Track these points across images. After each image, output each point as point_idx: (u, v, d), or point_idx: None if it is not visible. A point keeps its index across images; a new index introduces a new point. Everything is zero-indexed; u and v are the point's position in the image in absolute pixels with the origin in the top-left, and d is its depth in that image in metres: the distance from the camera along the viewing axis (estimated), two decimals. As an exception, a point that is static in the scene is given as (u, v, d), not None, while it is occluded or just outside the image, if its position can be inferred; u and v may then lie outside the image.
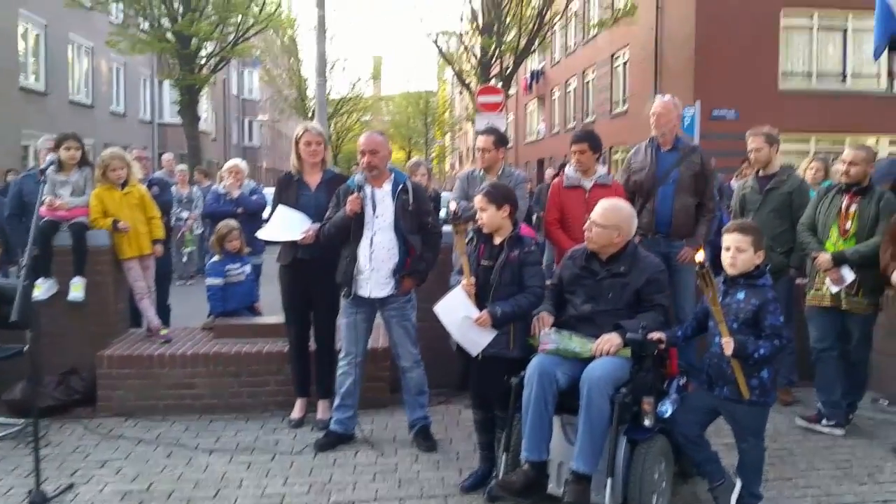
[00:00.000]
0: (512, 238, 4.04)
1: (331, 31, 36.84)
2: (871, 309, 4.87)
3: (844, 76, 19.30)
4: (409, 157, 58.94)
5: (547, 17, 19.56)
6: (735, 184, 8.45)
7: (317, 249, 4.79)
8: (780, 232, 5.44)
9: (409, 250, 4.56)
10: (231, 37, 20.69)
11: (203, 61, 20.61)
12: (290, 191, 4.99)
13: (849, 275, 4.78)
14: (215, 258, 6.15)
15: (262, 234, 5.01)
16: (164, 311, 6.79)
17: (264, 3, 21.35)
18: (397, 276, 4.54)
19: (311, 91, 39.07)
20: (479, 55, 19.56)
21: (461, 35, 20.33)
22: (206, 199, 7.30)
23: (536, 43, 19.89)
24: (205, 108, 34.46)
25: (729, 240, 3.68)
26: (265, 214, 6.55)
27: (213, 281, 6.04)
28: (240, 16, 20.11)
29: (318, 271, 4.84)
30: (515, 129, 38.46)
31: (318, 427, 4.97)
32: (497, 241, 4.10)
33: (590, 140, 5.37)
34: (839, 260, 4.80)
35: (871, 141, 18.93)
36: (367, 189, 4.57)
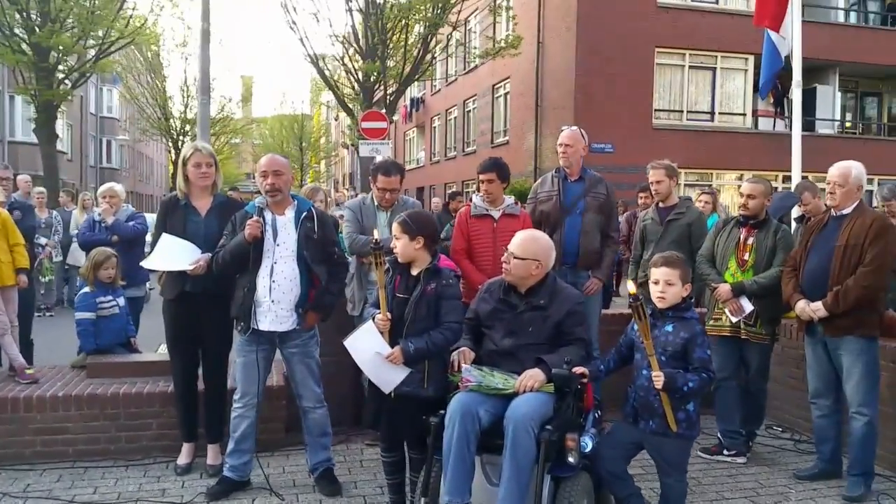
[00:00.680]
0: (429, 270, 3.83)
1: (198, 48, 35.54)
2: (769, 338, 5.00)
3: (713, 114, 20.53)
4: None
5: (431, 44, 19.66)
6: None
7: (208, 281, 4.42)
8: (680, 264, 5.51)
9: (314, 281, 4.26)
10: (93, 51, 19.40)
11: (63, 76, 19.21)
12: (176, 216, 4.56)
13: (748, 305, 4.89)
14: (86, 289, 5.55)
15: (148, 263, 4.54)
16: (27, 348, 6.09)
17: (131, 16, 20.25)
18: (300, 309, 4.21)
19: (176, 110, 37.69)
20: (361, 80, 19.32)
21: (342, 58, 20.00)
22: (71, 225, 6.55)
23: (420, 70, 19.90)
24: (60, 125, 32.38)
25: (658, 273, 3.64)
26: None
27: (83, 315, 5.44)
28: (104, 29, 18.90)
29: (209, 304, 4.48)
30: (395, 157, 38.44)
31: (209, 473, 4.58)
32: (414, 272, 3.88)
33: (498, 169, 5.27)
34: (738, 291, 4.91)
35: (736, 175, 20.24)
36: (268, 215, 4.24)
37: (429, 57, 20.08)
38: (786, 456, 5.13)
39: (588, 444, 3.59)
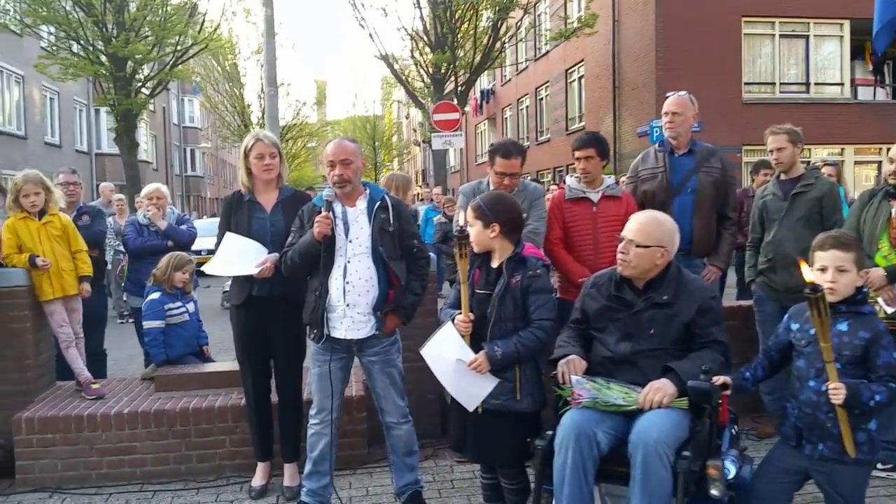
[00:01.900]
0: (512, 260, 3.27)
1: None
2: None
3: (807, 85, 19.15)
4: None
5: (502, 30, 18.98)
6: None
7: (277, 284, 4.01)
8: (811, 244, 4.74)
9: (392, 281, 3.73)
10: (169, 58, 19.54)
11: (140, 84, 19.42)
12: (241, 214, 4.14)
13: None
14: (153, 295, 5.19)
15: (210, 268, 4.11)
16: (97, 360, 5.79)
17: (203, 23, 20.30)
18: (378, 312, 3.69)
19: (255, 116, 38.08)
20: (431, 72, 18.82)
21: (412, 51, 19.54)
22: (125, 231, 6.20)
23: (491, 58, 19.26)
24: (144, 136, 33.22)
25: (826, 258, 2.94)
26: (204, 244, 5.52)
27: (151, 324, 5.09)
28: (178, 36, 18.99)
29: (280, 310, 4.07)
30: (466, 151, 37.95)
31: (286, 496, 4.16)
32: (495, 264, 3.31)
33: (597, 144, 4.62)
34: (895, 276, 4.11)
35: (835, 150, 18.81)
36: (338, 207, 3.73)
37: (499, 44, 19.39)
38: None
39: (731, 469, 2.92)
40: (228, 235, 4.10)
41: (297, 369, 4.26)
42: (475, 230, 3.26)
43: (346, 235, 3.69)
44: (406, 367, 4.01)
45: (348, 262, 3.67)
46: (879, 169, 17.83)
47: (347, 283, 3.65)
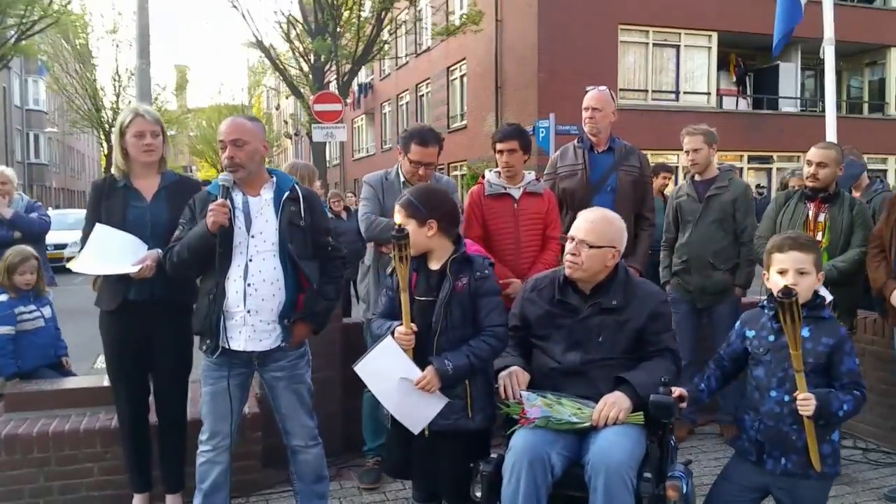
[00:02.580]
0: (456, 260, 2.87)
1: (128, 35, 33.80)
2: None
3: (677, 93, 19.92)
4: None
5: (385, 20, 18.52)
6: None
7: (159, 286, 3.41)
8: (724, 246, 4.73)
9: (302, 283, 3.22)
10: (12, 32, 17.64)
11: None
12: (115, 202, 3.49)
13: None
14: (1, 297, 4.40)
15: (77, 265, 3.44)
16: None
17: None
18: (286, 320, 3.19)
19: (108, 100, 35.60)
20: (312, 60, 18.07)
21: (290, 37, 18.68)
22: None
23: (376, 48, 18.76)
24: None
25: (785, 260, 2.73)
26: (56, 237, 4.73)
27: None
28: (24, 7, 17.16)
29: (161, 316, 3.47)
30: (342, 145, 37.25)
31: (168, 533, 3.53)
32: (434, 266, 2.91)
33: (520, 137, 4.30)
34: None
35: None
36: (238, 197, 3.20)
37: (382, 35, 18.94)
38: (860, 470, 4.31)
39: (683, 487, 2.68)
40: (98, 228, 3.43)
41: (182, 385, 3.65)
42: (410, 230, 2.83)
43: (248, 230, 3.16)
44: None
45: (250, 260, 3.14)
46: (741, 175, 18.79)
47: (249, 285, 3.11)
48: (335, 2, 17.76)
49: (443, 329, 2.81)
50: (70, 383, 4.28)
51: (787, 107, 21.07)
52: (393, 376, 2.81)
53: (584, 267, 2.84)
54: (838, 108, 23.12)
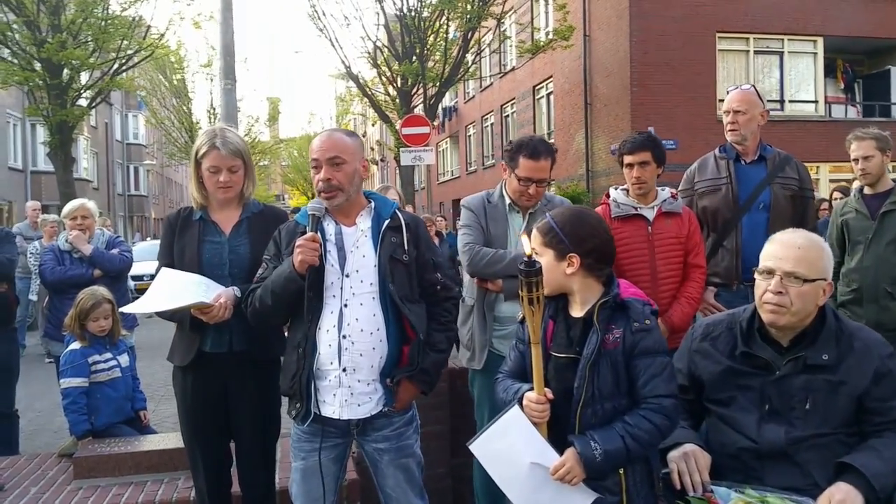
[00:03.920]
0: (607, 307, 2.19)
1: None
2: None
3: (782, 102, 18.65)
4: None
5: (472, 41, 18.07)
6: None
7: (238, 336, 2.92)
8: (907, 272, 3.86)
9: (408, 333, 2.64)
10: (110, 66, 18.03)
11: (77, 94, 17.79)
12: (189, 237, 3.00)
13: None
14: (73, 345, 4.00)
15: (134, 306, 2.93)
16: (4, 424, 4.57)
17: (148, 28, 18.87)
18: (389, 379, 2.60)
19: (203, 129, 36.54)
20: (399, 84, 17.78)
21: (376, 61, 18.47)
22: (41, 259, 5.00)
23: (462, 69, 18.31)
24: (84, 153, 31.49)
25: None
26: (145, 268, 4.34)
27: (70, 382, 3.90)
28: (120, 41, 17.52)
29: (243, 373, 2.96)
30: (427, 168, 37.11)
31: None
32: (577, 312, 2.24)
33: (654, 147, 3.63)
34: None
35: (811, 168, 18.33)
36: (330, 227, 2.64)
37: (469, 56, 18.49)
38: None
39: None
40: (164, 272, 2.93)
41: (269, 452, 3.10)
42: (545, 262, 2.19)
43: (342, 267, 2.60)
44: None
45: (345, 305, 2.57)
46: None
47: (344, 336, 2.55)
48: (422, 24, 17.44)
49: (588, 398, 2.14)
50: (146, 444, 3.81)
51: (901, 113, 19.44)
52: (520, 459, 2.16)
53: (794, 310, 2.13)
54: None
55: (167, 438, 3.89)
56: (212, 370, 2.92)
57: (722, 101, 16.35)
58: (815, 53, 18.74)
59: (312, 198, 2.68)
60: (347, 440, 2.70)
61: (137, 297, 3.06)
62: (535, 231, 2.28)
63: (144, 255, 11.21)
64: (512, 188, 3.47)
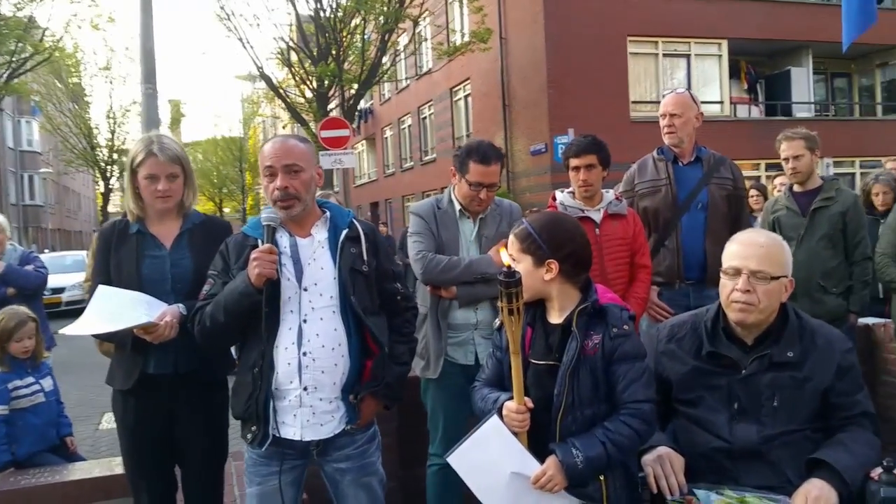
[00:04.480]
0: (585, 313, 2.17)
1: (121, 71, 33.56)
2: None
3: (690, 103, 19.35)
4: (219, 209, 54.95)
5: (389, 42, 17.95)
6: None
7: (184, 356, 2.75)
8: (835, 266, 4.08)
9: (370, 347, 2.55)
10: (3, 70, 17.06)
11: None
12: (126, 252, 2.81)
13: None
14: (-8, 370, 3.72)
15: (76, 328, 2.73)
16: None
17: (44, 32, 17.91)
18: (352, 396, 2.50)
19: (102, 138, 35.07)
20: (315, 86, 17.46)
21: (289, 62, 18.08)
22: None
23: (380, 72, 18.17)
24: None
25: None
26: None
27: (-13, 411, 3.61)
28: (14, 43, 16.58)
29: (189, 394, 2.79)
30: (344, 172, 36.73)
31: None
32: (555, 319, 2.21)
33: (599, 150, 3.66)
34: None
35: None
36: (283, 238, 2.52)
37: (387, 58, 18.37)
38: None
39: None
40: (101, 290, 2.72)
41: (216, 478, 2.94)
42: (523, 268, 2.15)
43: (299, 281, 2.48)
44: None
45: (304, 320, 2.45)
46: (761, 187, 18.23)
47: (304, 353, 2.43)
48: (337, 26, 17.19)
49: (568, 405, 2.12)
50: (76, 472, 3.56)
51: (801, 112, 20.47)
52: (500, 469, 2.12)
53: (761, 307, 2.17)
54: (850, 111, 22.71)
55: (98, 465, 3.65)
56: (156, 393, 2.74)
57: (635, 102, 16.72)
58: (720, 56, 19.53)
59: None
60: (306, 461, 2.58)
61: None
62: (511, 237, 2.24)
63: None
64: (462, 193, 3.43)
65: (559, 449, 2.07)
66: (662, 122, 4.06)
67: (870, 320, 4.30)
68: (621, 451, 2.07)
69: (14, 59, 16.82)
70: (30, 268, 4.85)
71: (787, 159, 4.22)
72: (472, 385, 2.38)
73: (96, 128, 35.70)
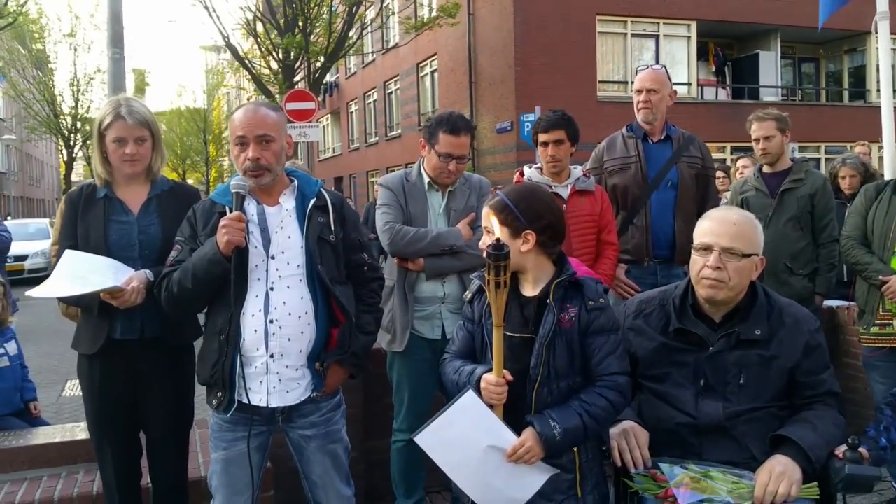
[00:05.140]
0: (562, 285, 2.16)
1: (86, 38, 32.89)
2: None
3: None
4: (182, 180, 54.19)
5: (357, 15, 17.68)
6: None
7: (150, 322, 2.72)
8: (802, 248, 4.14)
9: (337, 315, 2.53)
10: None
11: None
12: (94, 217, 2.76)
13: None
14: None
15: (42, 290, 2.65)
16: None
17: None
18: (317, 364, 2.48)
19: (66, 106, 34.34)
20: (281, 57, 17.16)
21: (257, 35, 17.74)
22: None
23: (347, 44, 17.89)
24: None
25: None
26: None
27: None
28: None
29: (154, 359, 2.76)
30: (308, 146, 36.38)
31: None
32: (530, 292, 2.20)
33: (568, 125, 3.65)
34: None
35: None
36: (251, 206, 2.49)
37: (353, 31, 18.10)
38: None
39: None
40: (68, 254, 2.68)
41: (182, 443, 2.92)
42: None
43: (266, 249, 2.45)
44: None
45: (271, 288, 2.44)
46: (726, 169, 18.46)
47: (271, 321, 2.41)
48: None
49: (544, 377, 2.11)
50: (41, 437, 3.52)
51: (768, 96, 20.67)
52: (474, 444, 2.10)
53: (731, 284, 2.17)
54: (817, 96, 22.93)
55: (62, 430, 3.60)
56: (121, 358, 2.71)
57: (602, 82, 16.58)
58: (689, 37, 19.62)
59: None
60: (271, 427, 2.58)
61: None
62: (486, 209, 2.22)
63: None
64: (431, 165, 3.38)
65: (537, 420, 2.07)
66: (637, 98, 4.03)
67: (834, 303, 4.38)
68: (597, 423, 2.09)
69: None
70: None
71: (757, 140, 4.23)
72: (443, 357, 2.37)
73: (60, 95, 35.00)
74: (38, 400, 4.16)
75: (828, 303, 4.30)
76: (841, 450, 2.07)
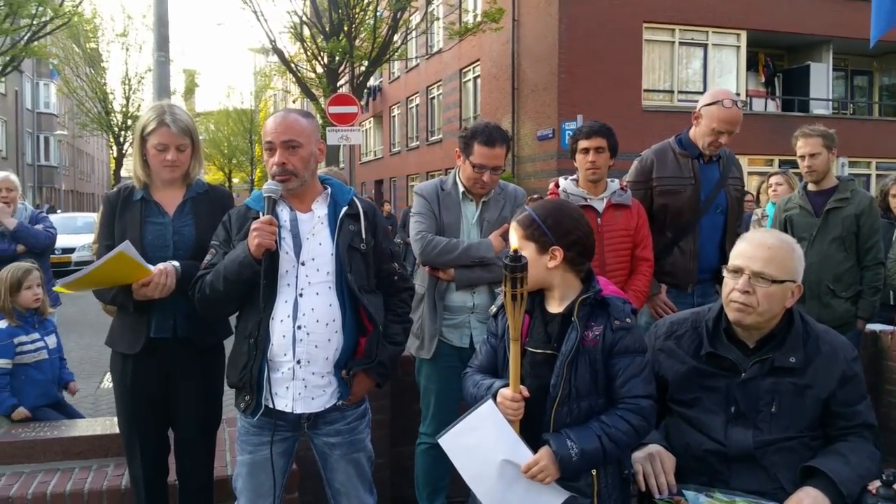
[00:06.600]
0: (587, 303, 2.13)
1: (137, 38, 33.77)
2: None
3: (704, 93, 19.14)
4: (228, 179, 55.03)
5: (401, 20, 17.79)
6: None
7: (182, 322, 2.77)
8: (846, 269, 4.01)
9: (365, 324, 2.54)
10: (24, 32, 17.04)
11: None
12: (130, 217, 2.82)
13: None
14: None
15: (69, 282, 2.72)
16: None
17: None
18: (345, 371, 2.50)
19: (117, 104, 35.30)
20: (326, 61, 17.35)
21: (301, 37, 17.97)
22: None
23: (391, 49, 18.03)
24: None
25: None
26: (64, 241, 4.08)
27: (-6, 363, 3.66)
28: (35, 6, 16.56)
29: (185, 358, 2.80)
30: (350, 149, 36.68)
31: None
32: (555, 308, 2.17)
33: (609, 135, 3.59)
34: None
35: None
36: (284, 213, 2.52)
37: (398, 36, 18.21)
38: None
39: None
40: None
41: (209, 442, 2.96)
42: (527, 255, 2.11)
43: (297, 255, 2.47)
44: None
45: (300, 294, 2.46)
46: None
47: (299, 327, 2.44)
48: (350, 2, 17.03)
49: (564, 396, 2.08)
50: (74, 429, 3.60)
51: (818, 109, 20.15)
52: (491, 456, 2.08)
53: (760, 310, 2.11)
54: (869, 110, 22.29)
55: (96, 423, 3.70)
56: (154, 356, 2.76)
57: (647, 91, 16.24)
58: (738, 46, 19.27)
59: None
60: (297, 434, 2.60)
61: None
62: (514, 224, 2.19)
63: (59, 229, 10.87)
64: (466, 175, 3.38)
65: (553, 439, 2.03)
66: (713, 126, 3.73)
67: (878, 327, 4.25)
68: (618, 447, 2.03)
69: (34, 22, 16.90)
70: (39, 227, 5.00)
71: (803, 157, 4.12)
72: (465, 371, 2.36)
73: (111, 93, 36.04)
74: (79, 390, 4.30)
75: (871, 326, 4.17)
76: (875, 485, 2.00)
